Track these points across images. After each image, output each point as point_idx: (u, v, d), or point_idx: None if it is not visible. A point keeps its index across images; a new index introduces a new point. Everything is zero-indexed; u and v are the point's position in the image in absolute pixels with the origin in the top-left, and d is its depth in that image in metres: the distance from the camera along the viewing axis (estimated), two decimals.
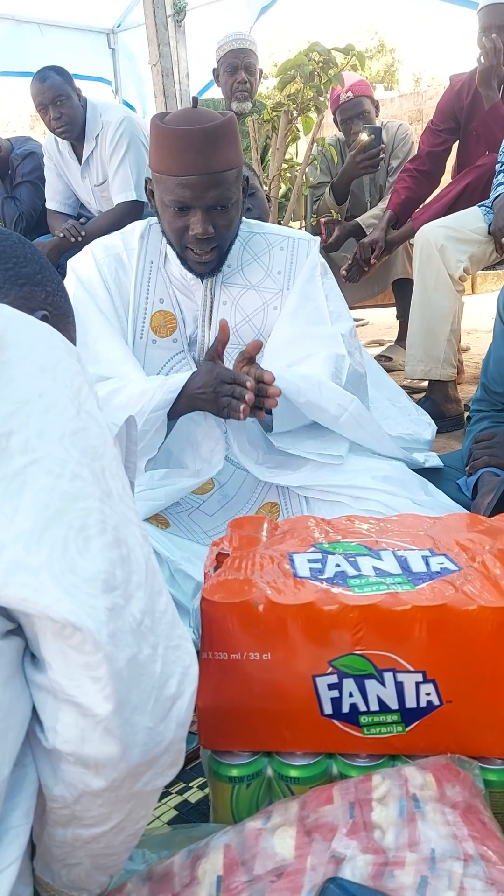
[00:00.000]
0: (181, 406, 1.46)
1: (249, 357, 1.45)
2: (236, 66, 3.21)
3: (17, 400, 0.63)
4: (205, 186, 1.44)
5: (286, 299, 1.64)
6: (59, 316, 0.93)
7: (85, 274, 1.62)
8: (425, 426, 1.94)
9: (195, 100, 1.51)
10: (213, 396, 1.42)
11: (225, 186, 1.46)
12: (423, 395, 2.64)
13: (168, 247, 1.60)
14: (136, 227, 1.67)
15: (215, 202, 1.46)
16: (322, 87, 2.55)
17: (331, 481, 1.49)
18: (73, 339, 0.98)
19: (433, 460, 1.72)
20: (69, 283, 1.61)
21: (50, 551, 0.58)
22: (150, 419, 1.42)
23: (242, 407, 1.35)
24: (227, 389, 1.39)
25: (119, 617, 0.59)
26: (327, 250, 3.13)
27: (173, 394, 1.43)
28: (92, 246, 1.68)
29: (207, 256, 1.52)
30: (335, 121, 3.32)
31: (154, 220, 1.64)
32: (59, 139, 3.21)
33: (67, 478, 0.62)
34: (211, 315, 1.64)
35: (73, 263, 1.65)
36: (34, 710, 0.62)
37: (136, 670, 0.59)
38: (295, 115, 2.65)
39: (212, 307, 1.64)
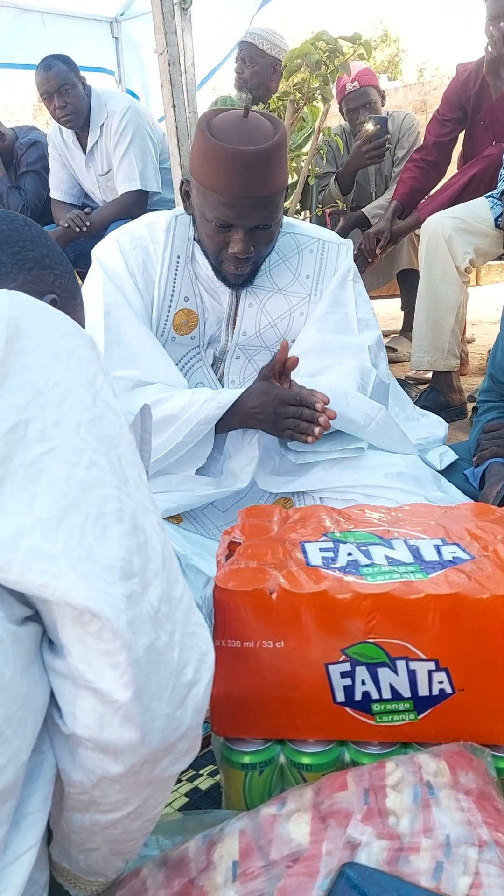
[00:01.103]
0: (234, 422, 1.44)
1: (282, 368, 1.42)
2: (237, 58, 3.24)
3: (33, 388, 0.63)
4: (251, 209, 1.39)
5: (313, 305, 1.61)
6: (68, 299, 0.93)
7: (111, 265, 1.57)
8: (437, 426, 1.93)
9: (247, 109, 1.44)
10: (272, 417, 1.39)
11: (272, 208, 1.42)
12: (427, 386, 2.64)
13: (196, 244, 1.57)
14: (160, 218, 1.62)
15: (259, 223, 1.42)
16: (328, 76, 2.53)
17: (343, 481, 1.48)
18: (81, 322, 0.98)
19: (447, 457, 1.72)
20: (93, 273, 1.58)
21: (68, 539, 0.58)
22: (195, 431, 1.40)
23: (317, 430, 1.34)
24: (292, 411, 1.37)
25: (137, 604, 0.59)
26: None
27: (222, 409, 1.41)
28: (117, 235, 1.63)
29: (243, 270, 1.49)
30: (341, 110, 3.30)
31: (180, 211, 1.59)
32: (63, 128, 3.20)
33: (84, 466, 0.62)
34: (235, 317, 1.61)
35: (97, 253, 1.61)
36: (52, 697, 0.62)
37: (154, 657, 0.59)
38: (301, 104, 2.63)
39: (237, 309, 1.61)
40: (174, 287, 1.59)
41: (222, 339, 1.62)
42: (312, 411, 1.35)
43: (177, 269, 1.59)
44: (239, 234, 1.42)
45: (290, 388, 1.41)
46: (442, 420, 1.95)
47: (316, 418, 1.34)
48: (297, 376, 1.52)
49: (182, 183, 1.52)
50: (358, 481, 1.44)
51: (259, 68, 3.17)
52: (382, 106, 3.30)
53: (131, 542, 0.61)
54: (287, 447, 1.51)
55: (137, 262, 1.58)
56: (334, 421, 1.48)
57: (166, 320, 1.59)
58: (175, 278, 1.59)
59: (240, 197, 1.37)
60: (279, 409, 1.39)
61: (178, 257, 1.59)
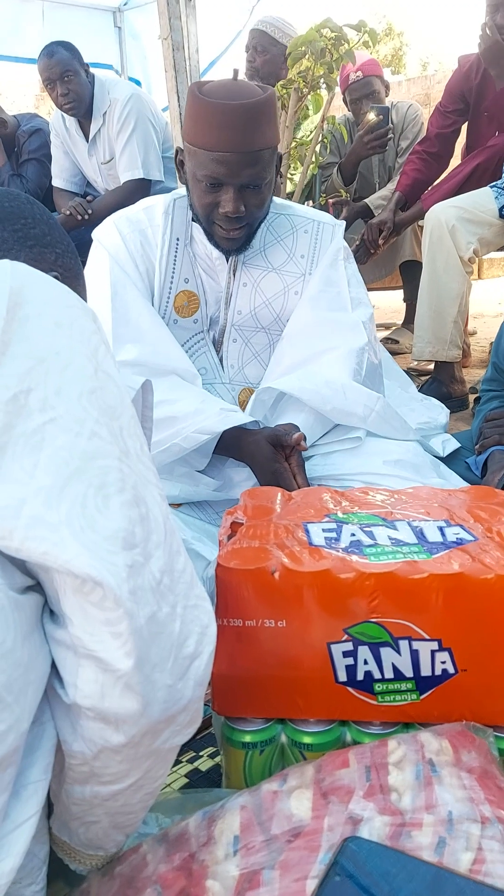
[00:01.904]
0: (231, 452, 1.46)
1: (290, 450, 1.42)
2: (247, 47, 3.22)
3: (35, 357, 0.62)
4: (240, 164, 1.40)
5: (307, 284, 1.62)
6: (70, 278, 0.92)
7: (113, 247, 1.58)
8: (439, 410, 1.93)
9: (235, 71, 1.47)
10: (263, 475, 1.42)
11: (261, 165, 1.43)
12: (428, 377, 2.63)
13: (194, 226, 1.57)
14: (159, 202, 1.62)
15: (249, 181, 1.43)
16: (333, 64, 2.51)
17: (342, 469, 1.48)
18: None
19: (450, 445, 1.71)
20: (96, 255, 1.58)
21: (70, 508, 0.58)
22: (192, 437, 1.41)
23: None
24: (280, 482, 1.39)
25: (139, 575, 0.59)
26: None
27: (220, 426, 1.41)
28: (115, 219, 1.63)
29: (236, 233, 1.49)
30: (344, 100, 3.28)
31: (178, 194, 1.60)
32: (66, 116, 3.19)
33: (86, 436, 0.61)
34: (230, 296, 1.62)
35: (98, 236, 1.62)
36: (53, 667, 0.62)
37: (155, 628, 0.59)
38: (305, 92, 2.62)
39: (232, 288, 1.61)
40: (174, 269, 1.59)
41: (220, 318, 1.62)
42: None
43: (176, 252, 1.59)
44: (229, 194, 1.43)
45: (293, 467, 1.41)
46: (443, 406, 1.94)
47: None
48: (285, 362, 1.55)
49: (176, 152, 1.53)
50: (356, 468, 1.45)
51: (270, 57, 3.15)
52: (386, 96, 3.29)
53: (133, 513, 0.60)
54: None
55: (136, 245, 1.58)
56: (335, 415, 1.49)
57: (168, 302, 1.59)
58: (175, 260, 1.59)
59: (229, 150, 1.39)
60: (269, 478, 1.40)
61: (178, 240, 1.59)
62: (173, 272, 1.58)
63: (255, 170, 1.42)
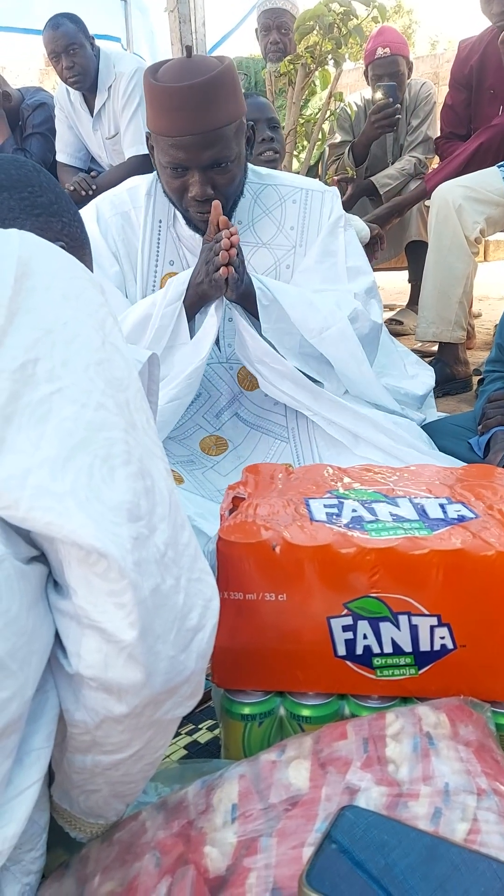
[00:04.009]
0: (191, 297, 1.44)
1: (215, 230, 1.42)
2: (269, 27, 3.14)
3: (42, 327, 0.62)
4: (200, 146, 1.36)
5: (299, 257, 1.60)
6: (76, 248, 0.92)
7: (91, 235, 1.58)
8: (420, 384, 1.90)
9: (188, 49, 1.42)
10: (204, 272, 1.41)
11: (222, 144, 1.38)
12: (432, 358, 2.63)
13: None
14: (142, 182, 1.61)
15: (212, 161, 1.39)
16: (341, 39, 2.48)
17: (337, 417, 1.48)
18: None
19: (432, 414, 1.71)
20: None
21: (75, 478, 0.58)
22: (167, 312, 1.42)
23: (221, 255, 1.36)
24: (214, 263, 1.38)
25: (143, 547, 0.59)
26: None
27: (183, 286, 1.42)
28: (98, 202, 1.62)
29: (208, 216, 1.46)
30: (366, 74, 3.17)
31: None
32: (70, 90, 3.16)
33: (92, 407, 0.61)
34: None
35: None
36: (57, 637, 0.62)
37: (159, 600, 0.59)
38: (312, 68, 2.59)
39: None
40: (158, 251, 1.58)
41: None
42: (219, 244, 1.37)
43: (160, 233, 1.58)
44: (195, 177, 1.40)
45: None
46: (430, 380, 1.92)
47: (219, 248, 1.36)
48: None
49: (147, 137, 1.50)
50: (352, 421, 1.44)
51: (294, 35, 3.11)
52: (409, 78, 3.19)
53: (138, 485, 0.61)
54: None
55: (117, 228, 1.57)
56: (295, 313, 1.45)
57: (154, 286, 1.58)
58: (158, 242, 1.58)
59: (186, 134, 1.35)
60: (206, 262, 1.39)
61: (160, 221, 1.57)
62: (157, 255, 1.57)
63: (216, 150, 1.38)
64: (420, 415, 1.72)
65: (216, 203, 1.40)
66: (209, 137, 1.36)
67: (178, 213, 1.56)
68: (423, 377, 1.96)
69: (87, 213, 1.60)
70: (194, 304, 1.46)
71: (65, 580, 0.60)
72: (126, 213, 1.58)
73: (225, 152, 1.40)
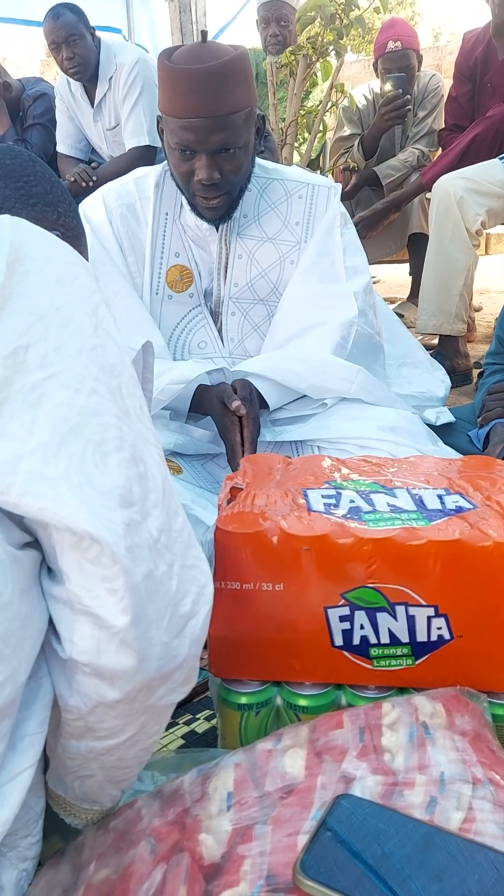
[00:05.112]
0: (197, 405, 1.48)
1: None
2: (268, 19, 3.14)
3: (35, 313, 0.62)
4: (209, 130, 1.37)
5: (304, 252, 1.60)
6: (72, 238, 0.91)
7: (97, 222, 1.57)
8: (438, 383, 1.91)
9: (204, 34, 1.44)
10: (218, 429, 1.44)
11: (231, 130, 1.39)
12: (432, 352, 2.62)
13: (184, 196, 1.56)
14: (151, 173, 1.60)
15: (221, 146, 1.40)
16: (343, 30, 2.47)
17: (336, 433, 1.48)
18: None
19: (445, 416, 1.70)
20: None
21: (68, 464, 0.58)
22: (168, 389, 1.43)
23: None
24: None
25: (136, 532, 0.59)
26: (344, 198, 3.06)
27: (195, 373, 1.44)
28: (104, 192, 1.62)
29: (215, 202, 1.47)
30: (375, 67, 3.14)
31: (166, 166, 1.58)
32: (71, 81, 3.14)
33: (85, 393, 0.61)
34: (226, 268, 1.60)
35: (84, 209, 1.60)
36: (50, 623, 0.62)
37: (152, 586, 0.59)
38: (314, 59, 2.58)
39: (227, 260, 1.60)
40: (164, 243, 1.58)
41: (214, 291, 1.61)
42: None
43: (166, 225, 1.58)
44: (202, 160, 1.41)
45: (245, 423, 1.42)
46: (444, 379, 1.93)
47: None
48: (277, 336, 1.55)
49: (158, 121, 1.51)
50: (351, 432, 1.45)
51: (294, 27, 3.09)
52: (418, 71, 3.16)
53: (131, 471, 0.60)
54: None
55: (124, 220, 1.57)
56: (313, 392, 1.50)
57: (159, 277, 1.58)
58: (164, 234, 1.58)
59: (196, 116, 1.36)
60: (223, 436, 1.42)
61: (167, 214, 1.57)
62: (163, 247, 1.57)
63: (225, 134, 1.39)
64: (434, 415, 1.71)
65: (237, 406, 1.41)
66: (219, 121, 1.38)
67: (184, 203, 1.56)
68: (440, 374, 1.96)
69: (94, 203, 1.59)
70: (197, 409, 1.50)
71: (58, 566, 0.60)
72: (132, 205, 1.57)
73: (233, 138, 1.41)
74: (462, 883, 0.56)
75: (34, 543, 0.62)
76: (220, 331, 1.64)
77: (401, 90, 2.88)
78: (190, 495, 1.36)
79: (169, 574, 0.61)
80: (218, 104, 1.37)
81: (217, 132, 1.38)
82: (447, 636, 0.83)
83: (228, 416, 1.40)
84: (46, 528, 0.59)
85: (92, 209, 1.59)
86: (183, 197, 1.55)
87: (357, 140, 3.15)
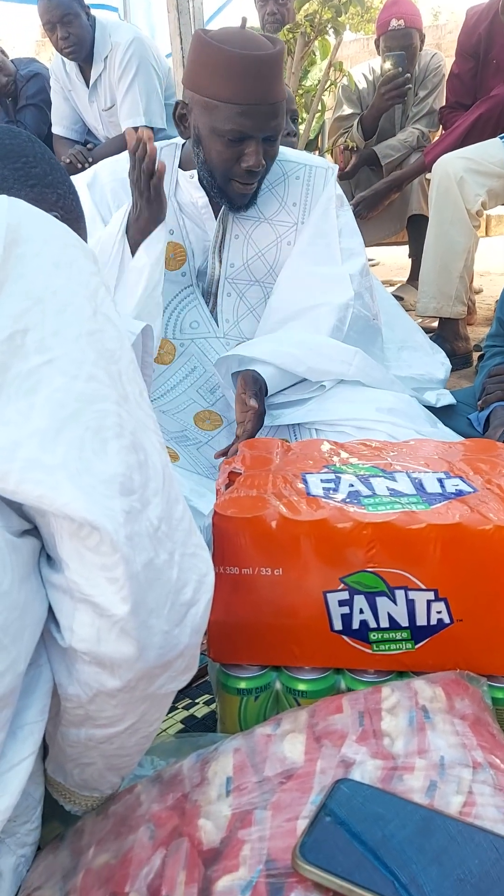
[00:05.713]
0: (134, 239, 1.45)
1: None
2: None
3: (32, 296, 0.61)
4: (267, 116, 1.39)
5: (300, 233, 1.59)
6: (71, 220, 0.90)
7: (81, 196, 1.56)
8: (438, 366, 1.90)
9: (244, 20, 1.44)
10: (142, 200, 1.42)
11: (282, 116, 1.43)
12: (432, 335, 2.60)
13: (180, 172, 1.54)
14: None
15: (273, 132, 1.42)
16: (341, 7, 2.44)
17: (335, 415, 1.47)
18: None
19: (445, 398, 1.70)
20: None
21: (66, 451, 0.57)
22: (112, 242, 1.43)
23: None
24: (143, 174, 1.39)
25: (136, 521, 0.58)
26: (343, 178, 3.03)
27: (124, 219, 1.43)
28: (98, 167, 1.60)
29: (251, 188, 1.48)
30: (377, 44, 3.08)
31: (163, 143, 1.56)
32: (66, 61, 3.10)
33: (83, 379, 0.60)
34: (222, 248, 1.59)
35: (78, 183, 1.58)
36: (50, 611, 0.62)
37: (152, 574, 0.59)
38: (312, 37, 2.54)
39: (223, 240, 1.59)
40: None
41: (209, 271, 1.60)
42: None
43: None
44: (252, 147, 1.41)
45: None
46: (444, 361, 1.92)
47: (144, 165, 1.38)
48: (273, 318, 1.53)
49: (177, 105, 1.48)
50: (349, 414, 1.44)
51: (292, 5, 3.04)
52: (420, 50, 3.10)
53: (131, 459, 0.60)
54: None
55: (116, 195, 1.55)
56: (311, 374, 1.48)
57: None
58: None
59: (256, 104, 1.37)
60: (136, 182, 1.40)
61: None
62: None
63: (278, 121, 1.41)
64: (433, 397, 1.70)
65: (128, 132, 1.40)
66: (275, 108, 1.40)
67: (180, 180, 1.54)
68: (440, 357, 1.95)
69: (83, 177, 1.59)
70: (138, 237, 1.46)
71: (57, 554, 0.59)
72: (125, 180, 1.56)
73: (282, 125, 1.44)
74: (462, 865, 0.56)
75: (33, 531, 0.61)
76: (215, 312, 1.63)
77: (401, 69, 2.84)
78: (188, 483, 1.35)
79: (169, 562, 0.60)
80: (278, 91, 1.40)
81: (273, 118, 1.40)
82: (447, 620, 0.83)
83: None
84: (45, 515, 0.58)
85: (79, 184, 1.57)
86: (179, 172, 1.54)
87: (356, 120, 3.11)
